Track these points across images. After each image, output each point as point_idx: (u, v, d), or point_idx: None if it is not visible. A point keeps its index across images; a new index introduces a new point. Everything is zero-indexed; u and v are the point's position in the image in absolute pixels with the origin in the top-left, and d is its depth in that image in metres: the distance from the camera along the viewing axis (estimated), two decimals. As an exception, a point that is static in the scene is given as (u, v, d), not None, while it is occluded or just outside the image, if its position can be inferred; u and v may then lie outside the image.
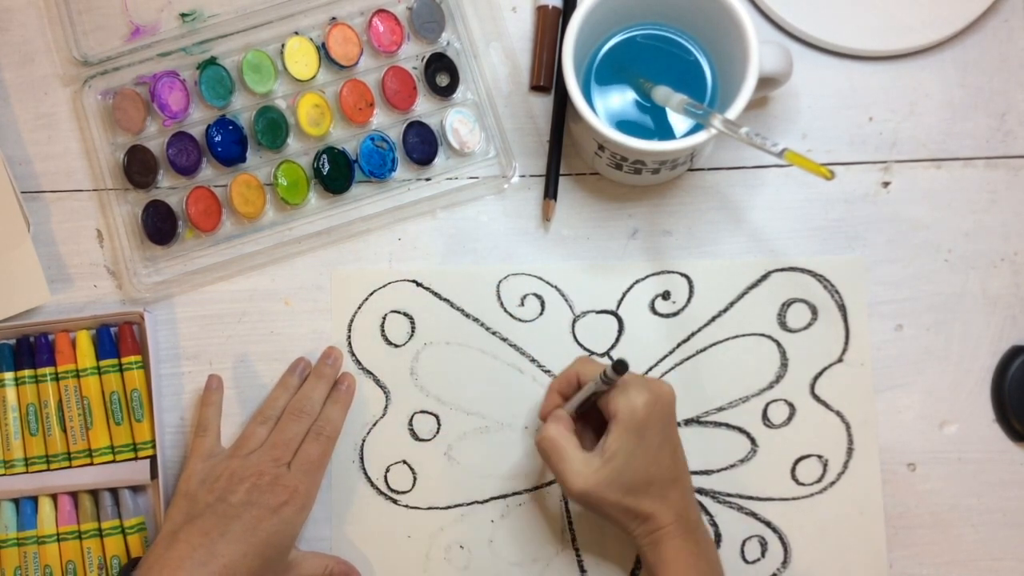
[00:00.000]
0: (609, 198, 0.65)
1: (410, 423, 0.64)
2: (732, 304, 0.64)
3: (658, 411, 0.55)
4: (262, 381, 0.64)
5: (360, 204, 0.64)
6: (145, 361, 0.63)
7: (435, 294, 0.64)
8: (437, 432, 0.63)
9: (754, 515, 0.63)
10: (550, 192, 0.64)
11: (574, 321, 0.64)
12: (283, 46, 0.64)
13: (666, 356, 0.63)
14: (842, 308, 0.63)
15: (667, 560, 0.54)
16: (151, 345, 0.63)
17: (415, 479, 0.63)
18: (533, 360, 0.63)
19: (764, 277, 0.64)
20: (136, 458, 0.62)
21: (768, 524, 0.62)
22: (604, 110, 0.60)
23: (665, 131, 0.60)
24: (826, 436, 0.63)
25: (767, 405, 0.63)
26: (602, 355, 0.63)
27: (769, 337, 0.63)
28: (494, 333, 0.64)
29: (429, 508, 0.63)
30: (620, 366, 0.52)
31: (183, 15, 0.65)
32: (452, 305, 0.64)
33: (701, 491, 0.63)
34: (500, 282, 0.64)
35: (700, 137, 0.55)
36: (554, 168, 0.64)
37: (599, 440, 0.55)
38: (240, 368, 0.64)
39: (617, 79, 0.61)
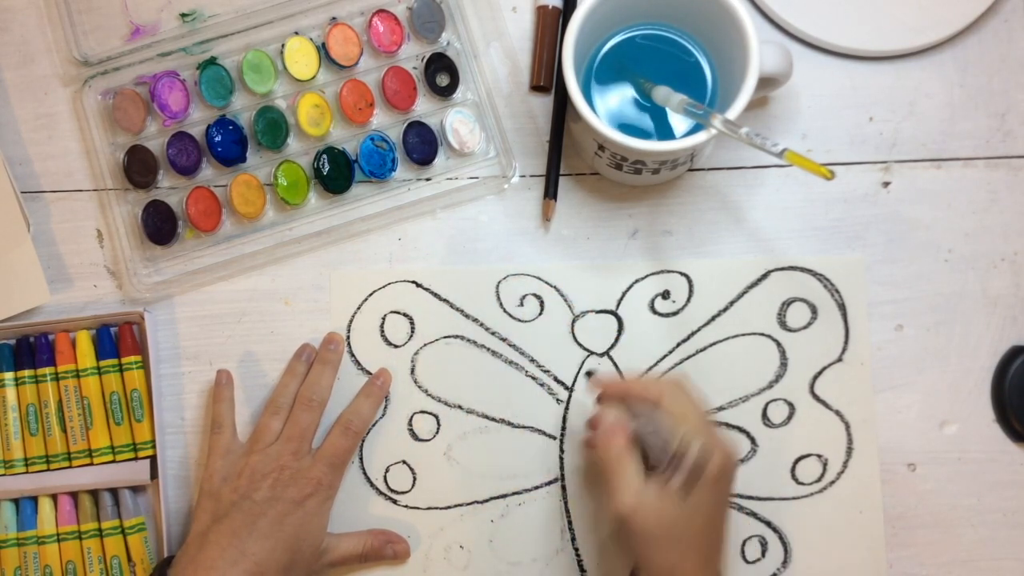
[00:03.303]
0: (609, 198, 0.65)
1: (410, 423, 0.64)
2: (732, 303, 0.64)
3: (731, 470, 0.53)
4: (263, 381, 0.64)
5: (360, 204, 0.64)
6: (145, 361, 0.63)
7: (435, 295, 0.64)
8: (437, 432, 0.63)
9: (754, 515, 0.63)
10: (550, 192, 0.64)
11: (573, 321, 0.64)
12: (283, 46, 0.64)
13: (666, 356, 0.63)
14: (842, 308, 0.63)
15: None
16: (151, 345, 0.63)
17: (415, 479, 0.63)
18: (533, 360, 0.64)
19: (764, 276, 0.64)
20: (136, 458, 0.62)
21: (768, 524, 0.62)
22: (604, 110, 0.60)
23: (665, 131, 0.60)
24: (826, 436, 0.63)
25: (767, 404, 0.63)
26: (601, 355, 0.63)
27: (769, 336, 0.63)
28: (494, 333, 0.64)
29: (429, 508, 0.63)
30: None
31: (183, 15, 0.65)
32: (452, 305, 0.64)
33: (701, 491, 0.63)
34: (499, 282, 0.64)
35: (700, 137, 0.55)
36: (554, 168, 0.64)
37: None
38: (241, 368, 0.64)
39: (617, 79, 0.61)
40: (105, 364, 0.63)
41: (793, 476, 0.63)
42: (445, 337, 0.64)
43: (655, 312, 0.64)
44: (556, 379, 0.63)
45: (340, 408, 0.62)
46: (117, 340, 0.63)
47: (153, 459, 0.62)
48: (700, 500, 0.52)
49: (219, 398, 0.62)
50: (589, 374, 0.59)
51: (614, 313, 0.64)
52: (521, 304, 0.64)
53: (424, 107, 0.65)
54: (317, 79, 0.64)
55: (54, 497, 0.62)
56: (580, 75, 0.59)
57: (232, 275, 0.64)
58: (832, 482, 0.63)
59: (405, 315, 0.64)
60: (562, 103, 0.64)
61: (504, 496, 0.63)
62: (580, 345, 0.64)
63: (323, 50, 0.64)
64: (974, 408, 0.63)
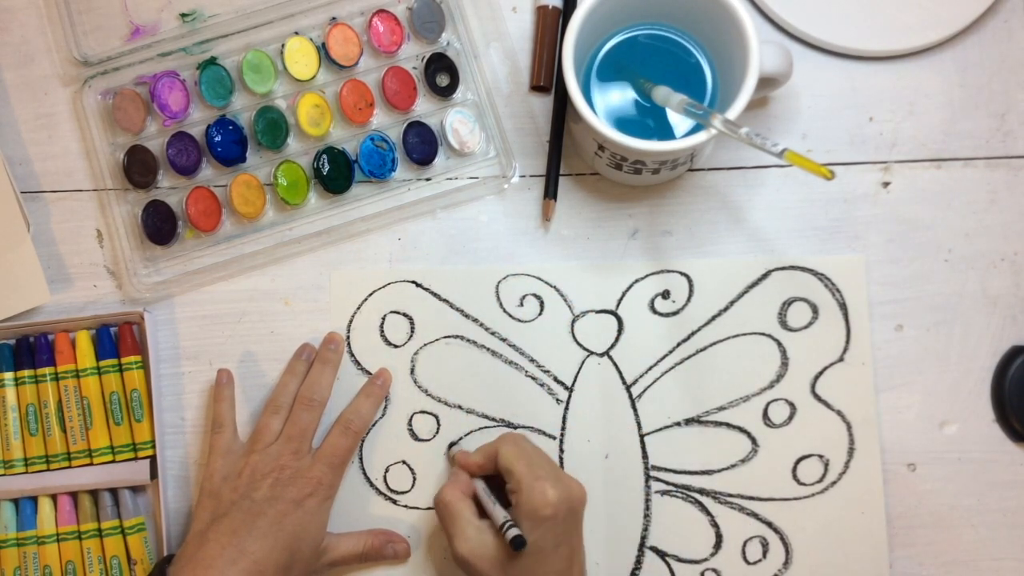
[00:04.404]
0: (609, 198, 0.65)
1: (409, 423, 0.64)
2: (732, 303, 0.64)
3: (564, 510, 0.54)
4: (263, 381, 0.64)
5: (360, 204, 0.64)
6: (145, 361, 0.63)
7: (435, 295, 0.64)
8: (437, 432, 0.63)
9: (755, 515, 0.62)
10: (550, 192, 0.64)
11: (573, 321, 0.64)
12: (283, 46, 0.64)
13: (666, 355, 0.63)
14: (843, 307, 0.63)
15: None
16: (151, 345, 0.63)
17: (415, 479, 0.63)
18: (532, 360, 0.64)
19: (764, 276, 0.64)
20: (136, 458, 0.62)
21: (769, 524, 0.62)
22: (604, 110, 0.60)
23: (665, 131, 0.60)
24: (827, 436, 0.63)
25: (768, 405, 0.63)
26: (601, 355, 0.63)
27: (770, 336, 0.63)
28: (493, 333, 0.64)
29: (429, 508, 0.63)
30: (518, 543, 0.52)
31: (183, 15, 0.65)
32: (451, 305, 0.64)
33: (702, 491, 0.63)
34: (499, 282, 0.64)
35: (700, 137, 0.55)
36: (554, 168, 0.64)
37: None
38: (241, 367, 0.64)
39: (617, 79, 0.61)
40: (105, 364, 0.63)
41: (794, 476, 0.63)
42: (445, 337, 0.64)
43: (655, 312, 0.64)
44: (556, 379, 0.63)
45: (340, 408, 0.62)
46: (117, 340, 0.63)
47: (153, 459, 0.62)
48: (539, 543, 0.53)
49: (220, 397, 0.62)
50: (452, 457, 0.62)
51: (614, 313, 0.64)
52: (521, 304, 0.64)
53: (424, 107, 0.65)
54: (317, 79, 0.64)
55: (54, 497, 0.62)
56: (580, 75, 0.59)
57: (232, 275, 0.64)
58: (834, 482, 0.62)
59: (405, 315, 0.64)
60: (562, 103, 0.64)
61: (504, 496, 0.63)
62: (580, 345, 0.64)
63: (323, 50, 0.64)
64: (974, 408, 0.63)
